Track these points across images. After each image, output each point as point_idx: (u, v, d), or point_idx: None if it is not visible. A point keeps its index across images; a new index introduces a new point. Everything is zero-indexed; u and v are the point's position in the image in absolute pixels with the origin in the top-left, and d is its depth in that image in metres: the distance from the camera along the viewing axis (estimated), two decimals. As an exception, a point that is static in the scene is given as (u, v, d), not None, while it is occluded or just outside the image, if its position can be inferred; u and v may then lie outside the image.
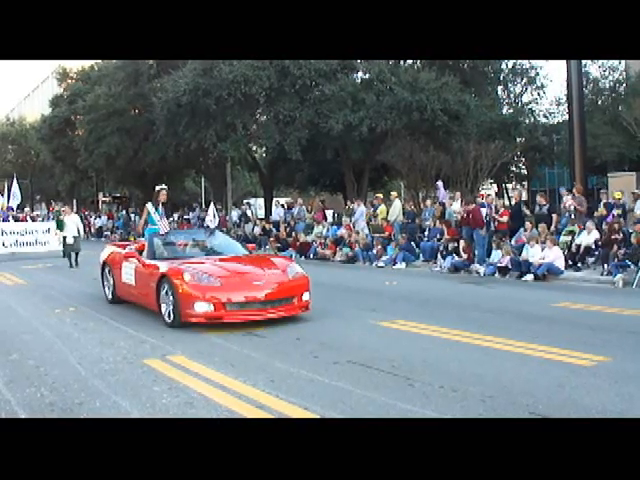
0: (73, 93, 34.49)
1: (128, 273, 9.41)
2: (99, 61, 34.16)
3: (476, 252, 14.67)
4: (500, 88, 30.40)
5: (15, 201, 24.40)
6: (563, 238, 14.33)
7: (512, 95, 30.74)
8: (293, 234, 20.69)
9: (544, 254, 13.00)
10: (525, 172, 32.41)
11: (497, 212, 15.78)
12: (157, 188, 10.94)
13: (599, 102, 29.02)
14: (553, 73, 56.81)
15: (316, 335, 7.52)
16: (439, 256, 15.52)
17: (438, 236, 16.57)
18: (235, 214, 26.29)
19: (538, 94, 30.03)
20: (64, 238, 16.90)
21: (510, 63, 28.85)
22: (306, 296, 8.44)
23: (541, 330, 7.60)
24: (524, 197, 28.60)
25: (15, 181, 25.00)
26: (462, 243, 15.04)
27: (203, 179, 41.13)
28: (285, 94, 22.17)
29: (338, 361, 6.19)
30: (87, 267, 15.61)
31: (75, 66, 37.50)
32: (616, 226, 13.40)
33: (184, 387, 5.41)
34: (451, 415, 4.55)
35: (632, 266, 12.06)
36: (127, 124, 29.47)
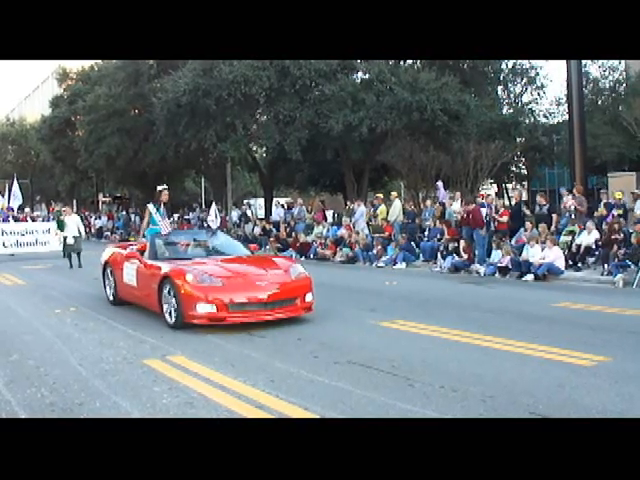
0: (73, 93, 34.48)
1: (130, 274, 9.36)
2: (99, 61, 34.17)
3: (476, 252, 14.67)
4: (500, 88, 30.41)
5: (16, 202, 24.40)
6: (563, 238, 14.33)
7: (512, 95, 30.75)
8: (293, 234, 20.69)
9: (544, 254, 13.00)
10: (525, 172, 32.42)
11: (497, 212, 15.79)
12: (159, 188, 10.92)
13: (599, 102, 29.03)
14: (553, 73, 56.90)
15: (316, 335, 7.52)
16: (439, 256, 15.52)
17: (438, 236, 16.57)
18: (235, 214, 26.29)
19: (538, 94, 30.06)
20: (64, 238, 16.89)
21: (510, 63, 28.85)
22: (309, 297, 8.40)
23: (541, 330, 7.60)
24: (524, 197, 28.59)
25: (15, 182, 25.02)
26: (462, 243, 15.05)
27: (203, 179, 41.14)
28: (285, 94, 22.17)
29: (338, 361, 6.19)
30: (87, 267, 15.61)
31: (75, 66, 37.49)
32: (616, 226, 13.40)
33: (184, 387, 5.41)
34: (451, 415, 4.55)
35: (632, 266, 12.06)
36: (127, 124, 29.47)
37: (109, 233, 32.72)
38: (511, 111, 28.97)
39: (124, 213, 34.49)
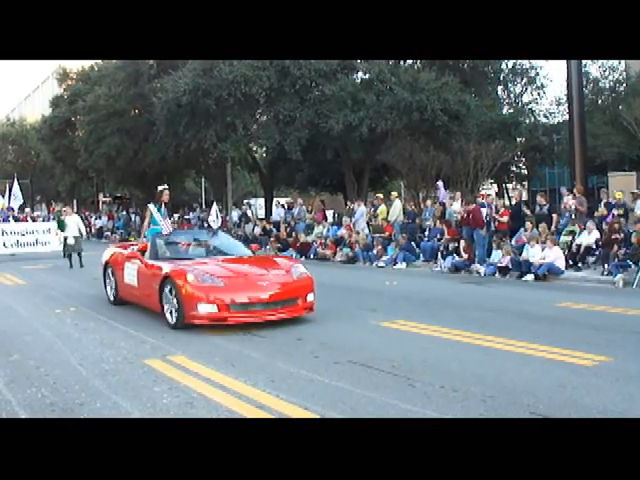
0: (73, 93, 34.48)
1: (130, 274, 9.34)
2: (99, 61, 34.16)
3: (476, 252, 14.67)
4: (500, 88, 30.40)
5: (17, 202, 24.40)
6: (563, 238, 14.33)
7: (512, 95, 30.74)
8: (293, 234, 20.69)
9: (544, 254, 13.00)
10: (525, 172, 32.41)
11: (497, 212, 15.79)
12: (159, 188, 10.89)
13: (599, 102, 29.03)
14: (553, 73, 56.86)
15: (316, 335, 7.52)
16: (439, 256, 15.52)
17: (438, 236, 16.57)
18: (235, 214, 26.29)
19: (538, 94, 30.05)
20: (65, 239, 16.88)
21: (510, 63, 28.84)
22: (310, 297, 8.38)
23: (542, 330, 7.60)
24: (524, 197, 28.59)
25: (16, 182, 25.02)
26: (462, 243, 15.04)
27: (203, 179, 41.14)
28: (285, 94, 22.17)
29: (338, 361, 6.19)
30: (88, 267, 15.63)
31: (75, 66, 37.49)
32: (616, 226, 13.40)
33: (184, 387, 5.41)
34: (452, 415, 4.55)
35: (632, 266, 12.06)
36: (127, 124, 29.47)
37: (109, 233, 32.73)
38: (511, 111, 28.96)
39: (124, 213, 34.50)
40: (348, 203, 22.29)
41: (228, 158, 25.46)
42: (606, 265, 12.70)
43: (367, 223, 19.18)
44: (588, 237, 13.78)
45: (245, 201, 30.10)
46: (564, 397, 4.97)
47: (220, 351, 6.78)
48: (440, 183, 20.17)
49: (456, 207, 17.00)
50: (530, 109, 29.68)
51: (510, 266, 13.45)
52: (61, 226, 17.19)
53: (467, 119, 21.44)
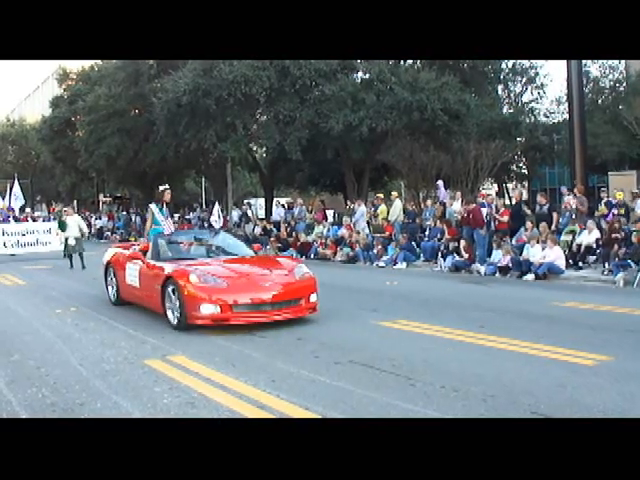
0: (73, 94, 34.46)
1: (132, 275, 9.29)
2: (99, 61, 34.16)
3: (477, 252, 14.67)
4: (500, 87, 30.41)
5: (18, 202, 24.40)
6: (564, 237, 14.33)
7: (512, 94, 30.76)
8: (294, 234, 20.69)
9: (545, 253, 12.99)
10: (525, 171, 32.43)
11: (497, 212, 15.78)
12: (161, 188, 10.85)
13: (599, 101, 29.04)
14: (553, 72, 56.82)
15: (317, 335, 7.52)
16: (440, 256, 15.52)
17: (439, 236, 16.56)
18: (236, 214, 26.29)
19: (538, 93, 30.09)
20: (66, 239, 16.87)
21: (510, 62, 28.86)
22: (313, 297, 8.34)
23: (542, 330, 7.60)
24: (525, 196, 28.59)
25: (17, 182, 25.02)
26: (463, 243, 15.04)
27: (203, 179, 41.14)
28: (285, 94, 22.17)
29: (339, 361, 6.19)
30: (88, 268, 15.64)
31: (75, 67, 37.48)
32: (617, 225, 13.39)
33: (185, 387, 5.41)
34: (452, 415, 4.55)
35: (633, 265, 12.06)
36: (127, 125, 29.47)
37: (109, 233, 32.74)
38: (511, 110, 28.98)
39: (124, 213, 34.50)
40: (348, 203, 22.29)
41: (228, 158, 25.50)
42: (606, 264, 12.70)
43: (367, 223, 19.17)
44: (588, 236, 13.78)
45: (245, 201, 30.10)
46: (564, 397, 4.97)
47: (220, 351, 6.78)
48: (440, 183, 20.17)
49: (456, 207, 17.00)
50: (530, 108, 29.70)
51: (510, 266, 13.45)
52: (62, 226, 17.18)
53: (467, 119, 21.44)
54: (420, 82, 20.91)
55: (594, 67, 28.72)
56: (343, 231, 18.99)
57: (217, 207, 23.07)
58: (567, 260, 13.33)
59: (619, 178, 22.06)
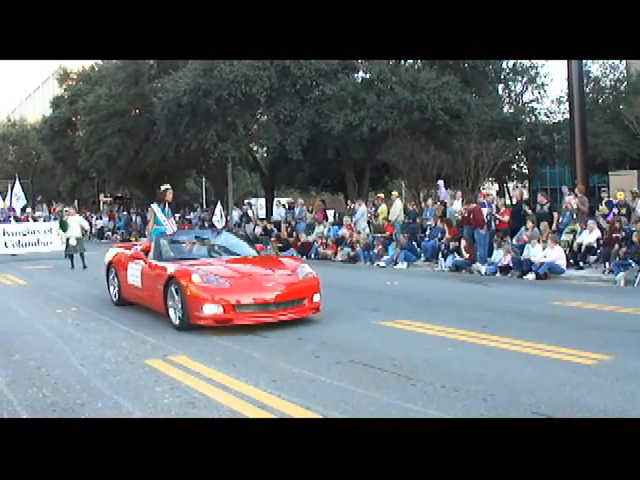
0: (74, 94, 34.46)
1: (134, 275, 9.26)
2: (100, 61, 34.17)
3: (477, 251, 14.66)
4: (501, 87, 30.39)
5: (20, 203, 24.39)
6: (564, 237, 14.32)
7: (513, 94, 30.74)
8: (294, 234, 20.69)
9: (545, 253, 12.99)
10: (526, 171, 32.40)
11: (498, 211, 15.78)
12: (162, 188, 10.83)
13: (600, 101, 29.02)
14: (554, 72, 56.75)
15: (318, 335, 7.51)
16: (440, 256, 15.51)
17: (439, 235, 16.56)
18: (236, 214, 26.30)
19: (539, 93, 30.06)
20: (67, 239, 16.85)
21: (511, 62, 28.83)
22: (317, 297, 8.30)
23: (543, 329, 7.60)
24: (525, 196, 28.59)
25: (18, 182, 25.01)
26: (463, 242, 15.03)
27: (204, 179, 41.13)
28: (286, 94, 22.17)
29: (340, 361, 6.19)
30: (89, 268, 15.65)
31: (76, 67, 37.49)
32: (617, 225, 13.39)
33: (186, 387, 5.41)
34: (453, 414, 4.55)
35: (634, 265, 12.05)
36: (128, 125, 29.47)
37: (110, 233, 32.75)
38: (512, 110, 28.96)
39: (125, 213, 34.50)
40: (349, 203, 22.29)
41: (229, 158, 25.52)
42: (607, 264, 12.70)
43: (368, 223, 19.17)
44: (589, 236, 13.77)
45: (246, 201, 30.08)
46: (565, 396, 4.97)
47: (221, 351, 6.78)
48: (441, 182, 20.16)
49: (457, 206, 16.99)
50: (531, 108, 29.68)
51: (511, 265, 13.45)
52: (63, 226, 17.18)
53: (468, 118, 21.43)
54: (421, 82, 20.90)
55: (595, 66, 28.72)
56: (344, 231, 18.99)
57: (219, 207, 23.04)
58: (568, 260, 13.33)
59: (620, 178, 22.04)
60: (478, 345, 6.84)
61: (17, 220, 23.10)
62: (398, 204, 19.42)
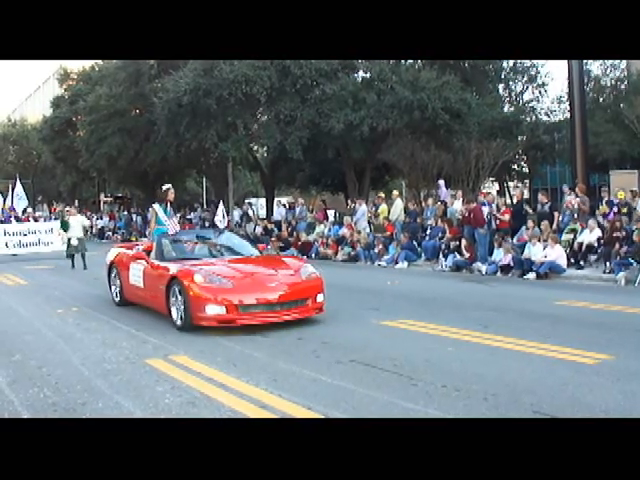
0: (74, 94, 34.45)
1: (136, 275, 9.22)
2: (100, 61, 34.16)
3: (478, 251, 14.66)
4: (501, 86, 30.37)
5: (22, 203, 24.37)
6: (565, 236, 14.32)
7: (513, 93, 30.70)
8: (295, 234, 20.69)
9: (546, 252, 12.99)
10: (527, 170, 32.38)
11: (499, 210, 15.78)
12: (164, 187, 10.80)
13: (600, 100, 28.97)
14: (554, 71, 56.79)
15: (318, 335, 7.51)
16: (441, 255, 15.51)
17: (440, 235, 16.55)
18: (237, 214, 26.30)
19: (539, 92, 30.01)
20: (68, 240, 16.84)
21: (511, 61, 28.81)
22: (320, 297, 8.26)
23: (544, 329, 7.60)
24: (526, 195, 28.56)
25: (19, 183, 25.00)
26: (464, 242, 15.03)
27: (204, 179, 41.11)
28: (286, 94, 22.16)
29: (341, 360, 6.19)
30: (90, 268, 15.64)
31: (76, 67, 37.48)
32: (618, 224, 13.39)
33: (187, 387, 5.41)
34: (454, 414, 4.55)
35: (634, 264, 12.05)
36: (128, 124, 29.46)
37: (111, 233, 32.76)
38: (512, 109, 28.93)
39: (126, 213, 34.50)
40: (349, 202, 22.28)
41: (229, 158, 25.47)
42: (608, 263, 12.69)
43: (368, 222, 19.17)
44: (590, 235, 13.77)
45: (246, 201, 30.06)
46: (566, 395, 4.97)
47: (222, 351, 6.78)
48: (441, 182, 20.17)
49: (457, 206, 16.99)
50: (531, 107, 29.66)
51: (512, 265, 13.44)
52: (64, 226, 17.18)
53: (468, 118, 21.41)
54: (421, 81, 20.89)
55: (595, 66, 28.67)
56: (344, 230, 18.99)
57: (221, 207, 23.02)
58: (568, 259, 13.33)
59: (620, 177, 22.01)
60: (479, 344, 6.84)
61: (18, 220, 23.10)
62: (399, 204, 19.41)
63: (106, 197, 43.73)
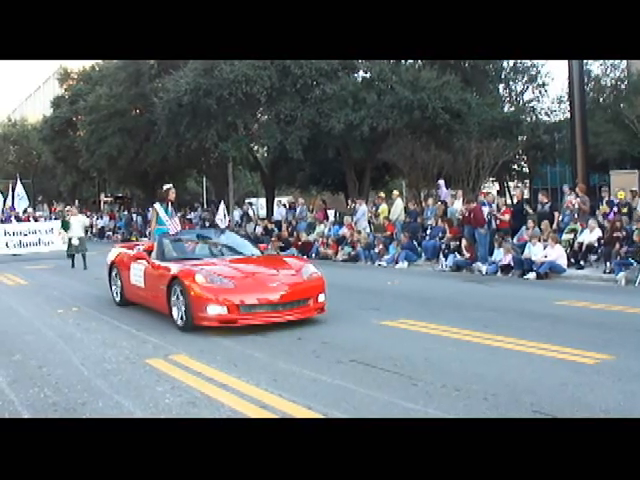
0: (74, 94, 34.45)
1: (137, 275, 9.20)
2: (100, 61, 34.16)
3: (478, 251, 14.66)
4: (501, 86, 30.36)
5: (23, 203, 24.38)
6: (565, 236, 14.31)
7: (513, 93, 30.70)
8: (295, 233, 20.69)
9: (546, 252, 12.99)
10: (527, 170, 32.38)
11: (499, 210, 15.78)
12: (165, 187, 10.78)
13: (601, 100, 28.97)
14: (554, 71, 56.78)
15: (318, 335, 7.51)
16: (441, 255, 15.51)
17: (440, 235, 16.55)
18: (237, 214, 26.29)
19: (539, 92, 30.01)
20: (69, 239, 16.84)
21: (511, 61, 28.81)
22: (321, 297, 8.24)
23: (544, 328, 7.60)
24: (526, 195, 28.57)
25: (20, 183, 25.01)
26: (464, 242, 15.03)
27: (205, 179, 41.12)
28: (286, 93, 22.15)
29: (341, 360, 6.19)
30: (90, 268, 15.65)
31: (76, 66, 37.49)
32: (618, 224, 13.39)
33: (187, 387, 5.41)
34: (454, 413, 4.55)
35: (635, 264, 12.05)
36: (128, 124, 29.47)
37: (111, 233, 32.77)
38: (512, 109, 28.93)
39: (126, 213, 34.50)
40: (349, 202, 22.28)
41: (229, 158, 25.48)
42: (608, 263, 12.69)
43: (369, 222, 19.17)
44: (590, 235, 13.76)
45: (247, 200, 30.04)
46: (566, 395, 4.97)
47: (222, 350, 6.78)
48: (442, 182, 20.16)
49: (457, 206, 16.99)
50: (531, 107, 29.65)
51: (512, 265, 13.44)
52: (65, 226, 17.17)
53: (468, 117, 21.41)
54: (421, 81, 20.89)
55: (595, 66, 28.67)
56: (344, 230, 18.99)
57: (222, 206, 23.01)
58: (569, 259, 13.33)
59: (620, 177, 22.00)
60: (479, 344, 6.84)
61: (18, 220, 23.10)
62: (399, 203, 19.41)
63: (106, 197, 43.72)
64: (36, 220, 24.92)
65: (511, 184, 32.92)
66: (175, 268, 8.27)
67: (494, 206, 15.96)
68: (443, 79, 21.10)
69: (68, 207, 20.73)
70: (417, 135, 22.84)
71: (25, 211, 25.53)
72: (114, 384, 5.57)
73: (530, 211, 15.99)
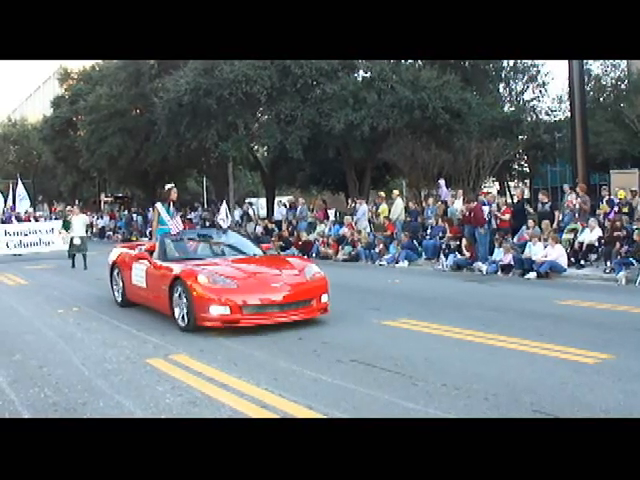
0: (75, 93, 34.46)
1: (139, 275, 9.14)
2: (100, 61, 34.17)
3: (478, 250, 14.66)
4: (502, 86, 30.37)
5: (24, 203, 24.37)
6: (566, 236, 14.31)
7: (514, 93, 30.69)
8: (295, 233, 20.69)
9: (547, 252, 12.99)
10: (527, 170, 32.38)
11: (499, 210, 15.79)
12: (167, 187, 10.75)
13: (601, 99, 28.96)
14: (555, 70, 56.64)
15: (319, 334, 7.51)
16: (441, 254, 15.52)
17: (440, 234, 16.56)
18: (237, 214, 26.29)
19: (540, 92, 30.00)
20: (71, 239, 16.83)
21: (511, 61, 28.80)
22: (325, 298, 8.21)
23: (544, 328, 7.59)
24: (526, 195, 28.55)
25: (20, 183, 25.01)
26: (464, 241, 15.03)
27: (205, 179, 41.12)
28: (286, 93, 22.16)
29: (341, 360, 6.19)
30: (91, 268, 15.64)
31: (76, 66, 37.50)
32: (618, 223, 13.39)
33: (187, 387, 5.41)
34: (454, 413, 4.55)
35: (635, 263, 12.05)
36: (129, 124, 29.48)
37: (111, 233, 32.78)
38: (513, 109, 28.93)
39: (126, 213, 34.52)
40: (350, 202, 22.28)
41: (230, 157, 25.50)
42: (608, 263, 12.69)
43: (369, 222, 19.17)
44: (590, 235, 13.76)
45: (247, 200, 30.04)
46: (566, 395, 4.98)
47: (222, 350, 6.79)
48: (442, 181, 20.18)
49: (458, 205, 17.00)
50: (532, 107, 29.65)
51: (512, 264, 13.44)
52: (66, 226, 17.18)
53: (469, 117, 21.42)
54: (421, 81, 20.90)
55: (596, 65, 28.66)
56: (345, 230, 18.99)
57: (224, 206, 23.00)
58: (569, 258, 13.33)
59: (621, 176, 22.01)
60: (479, 344, 6.84)
61: (19, 220, 23.11)
62: (399, 203, 19.41)
63: (107, 197, 43.72)
64: (36, 220, 24.93)
65: (511, 184, 32.94)
66: (177, 268, 8.23)
67: (494, 206, 15.96)
68: (443, 79, 21.11)
69: (69, 207, 20.73)
70: (417, 135, 22.86)
71: (26, 211, 25.54)
72: (115, 384, 5.57)
73: (530, 210, 15.99)
